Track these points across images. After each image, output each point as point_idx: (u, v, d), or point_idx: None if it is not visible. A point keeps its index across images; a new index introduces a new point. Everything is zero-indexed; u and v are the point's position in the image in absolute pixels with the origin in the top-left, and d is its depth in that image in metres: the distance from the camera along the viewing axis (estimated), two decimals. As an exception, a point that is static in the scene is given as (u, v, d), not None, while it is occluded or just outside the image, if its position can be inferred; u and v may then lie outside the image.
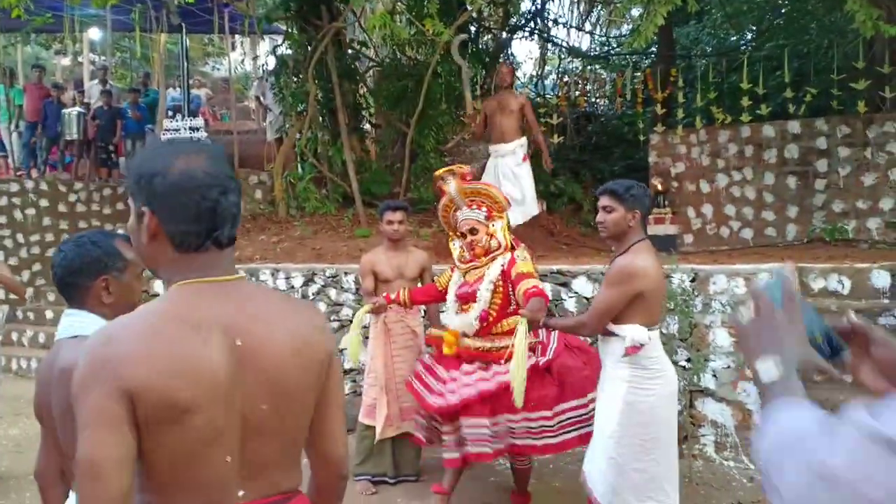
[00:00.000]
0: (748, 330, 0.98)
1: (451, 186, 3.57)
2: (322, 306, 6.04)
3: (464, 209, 3.56)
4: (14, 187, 9.60)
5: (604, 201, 2.99)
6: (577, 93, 10.62)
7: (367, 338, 4.44)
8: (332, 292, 6.11)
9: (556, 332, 3.51)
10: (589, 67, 12.81)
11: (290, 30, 9.75)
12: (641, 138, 8.81)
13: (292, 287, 6.35)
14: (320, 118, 9.41)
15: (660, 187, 7.80)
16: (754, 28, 12.44)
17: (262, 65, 13.27)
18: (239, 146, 10.44)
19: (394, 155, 9.68)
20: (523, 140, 6.99)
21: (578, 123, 11.44)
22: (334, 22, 8.91)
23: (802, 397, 0.86)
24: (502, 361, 3.35)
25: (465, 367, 3.52)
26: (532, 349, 3.40)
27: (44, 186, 9.84)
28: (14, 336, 8.43)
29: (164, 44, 13.47)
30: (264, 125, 11.89)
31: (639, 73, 9.92)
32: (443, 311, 3.99)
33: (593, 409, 3.19)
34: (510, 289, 3.45)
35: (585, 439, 3.19)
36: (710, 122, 7.96)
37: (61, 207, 9.93)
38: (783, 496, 0.75)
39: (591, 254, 7.22)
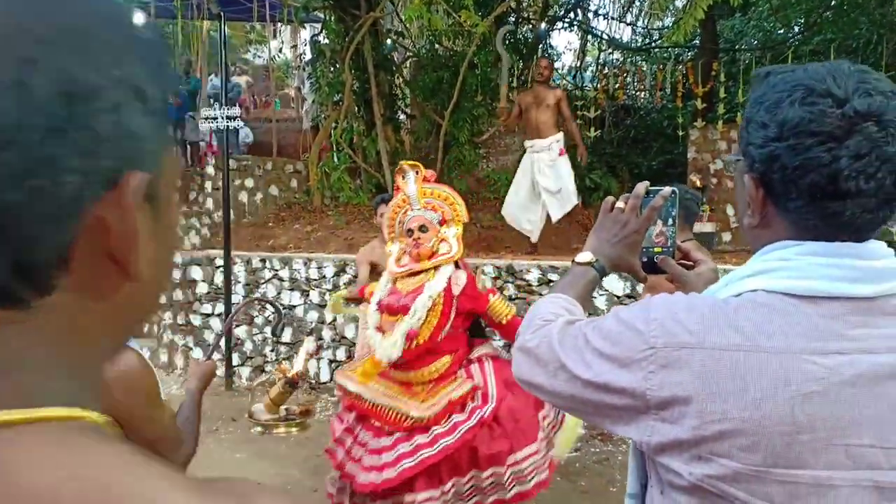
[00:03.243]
0: (603, 220, 1.18)
1: (411, 184, 3.23)
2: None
3: (416, 208, 3.21)
4: (58, 171, 9.85)
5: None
6: (617, 85, 10.46)
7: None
8: (362, 283, 6.14)
9: (491, 367, 3.08)
10: (629, 60, 12.61)
11: (327, 19, 9.78)
12: (681, 133, 8.64)
13: (323, 276, 6.39)
14: (356, 108, 9.44)
15: (698, 183, 7.66)
16: (802, 21, 12.08)
17: (301, 53, 13.34)
18: (277, 135, 10.55)
19: (428, 146, 9.67)
20: (559, 135, 6.95)
21: (617, 117, 11.28)
22: (372, 12, 8.90)
23: (570, 293, 1.15)
24: (443, 421, 2.90)
25: (397, 434, 2.96)
26: (471, 396, 2.99)
27: (87, 171, 10.08)
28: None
29: (206, 31, 13.64)
30: (302, 114, 11.98)
31: (680, 66, 9.71)
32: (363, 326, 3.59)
33: (542, 456, 2.96)
34: (450, 309, 3.01)
35: (543, 485, 2.95)
36: (752, 118, 7.75)
37: (103, 192, 10.17)
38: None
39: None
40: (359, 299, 3.73)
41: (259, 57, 23.12)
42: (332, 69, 9.66)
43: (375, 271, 4.08)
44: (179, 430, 1.61)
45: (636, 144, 10.85)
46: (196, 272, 7.35)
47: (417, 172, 3.24)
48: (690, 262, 1.23)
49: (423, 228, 3.11)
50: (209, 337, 7.14)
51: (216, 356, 2.66)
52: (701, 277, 1.17)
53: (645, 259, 1.20)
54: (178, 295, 7.42)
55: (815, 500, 0.78)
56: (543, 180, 6.86)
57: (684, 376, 0.83)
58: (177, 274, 7.46)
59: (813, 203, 0.85)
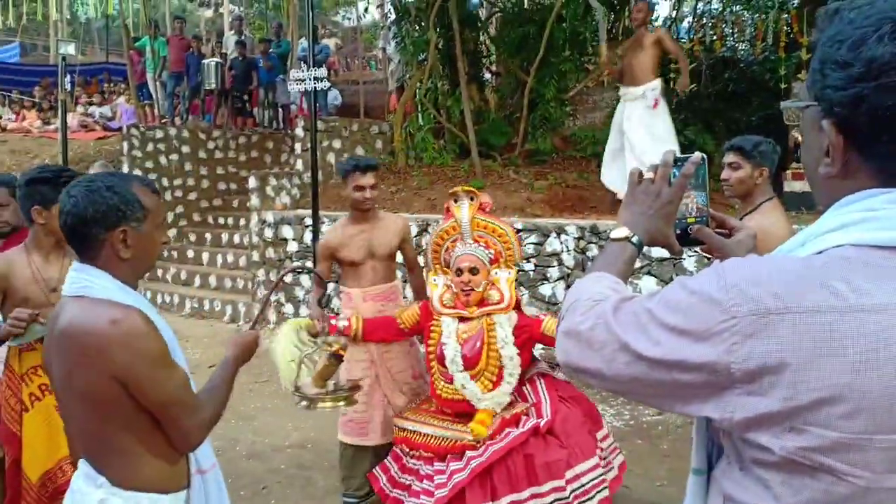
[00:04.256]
0: (633, 193, 1.12)
1: (464, 211, 2.98)
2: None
3: (468, 242, 2.97)
4: (159, 134, 10.34)
5: (729, 158, 2.90)
6: (714, 36, 9.90)
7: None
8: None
9: (544, 384, 3.01)
10: (728, 9, 11.87)
11: (412, -24, 9.70)
12: (783, 86, 8.11)
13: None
14: (440, 67, 9.38)
15: (800, 140, 7.17)
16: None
17: (387, 13, 13.33)
18: (364, 96, 10.65)
19: (512, 104, 9.51)
20: (655, 83, 6.38)
21: (714, 69, 10.69)
22: (456, -33, 8.76)
23: (612, 271, 1.07)
24: (497, 437, 2.82)
25: (449, 457, 2.88)
26: (525, 413, 2.92)
27: (185, 134, 10.53)
28: (159, 273, 9.27)
29: (297, -6, 13.81)
30: (388, 74, 12.02)
31: (784, 15, 9.07)
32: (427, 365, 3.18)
33: (603, 472, 2.86)
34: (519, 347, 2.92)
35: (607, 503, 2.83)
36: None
37: (201, 154, 10.61)
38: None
39: (719, 210, 6.80)
40: (323, 332, 3.06)
41: (347, 19, 23.32)
42: (416, 28, 9.62)
43: (343, 262, 3.42)
44: (195, 396, 1.61)
45: (734, 99, 10.27)
46: (286, 231, 7.60)
47: (473, 199, 3.00)
48: (726, 231, 1.16)
49: (473, 270, 2.92)
50: (300, 293, 7.40)
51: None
52: (741, 245, 1.11)
53: (679, 230, 1.13)
54: (271, 253, 7.71)
55: None
56: (631, 131, 6.34)
57: (773, 344, 0.76)
58: (269, 232, 7.74)
59: None
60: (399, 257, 3.56)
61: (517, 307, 3.02)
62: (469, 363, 2.90)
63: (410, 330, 3.17)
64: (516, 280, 3.12)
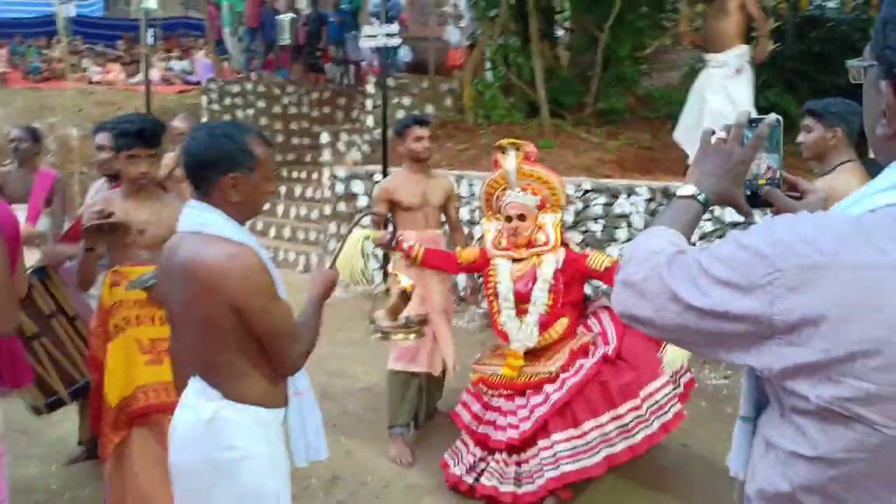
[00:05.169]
0: (705, 152, 1.14)
1: (511, 161, 3.18)
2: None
3: (516, 190, 3.18)
4: (236, 88, 10.62)
5: (804, 120, 2.92)
6: (801, -7, 9.42)
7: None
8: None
9: (608, 315, 3.20)
10: (819, -37, 11.23)
11: (486, -71, 9.53)
12: (874, 46, 7.68)
13: (473, 194, 6.53)
14: (512, 23, 9.25)
15: (890, 103, 6.83)
16: None
17: (459, -32, 13.14)
18: (436, 53, 10.63)
19: (585, 62, 9.31)
20: (740, 49, 6.10)
21: (799, 29, 10.19)
22: (532, -81, 8.55)
23: (675, 227, 1.09)
24: (570, 368, 3.05)
25: (529, 392, 3.13)
26: (593, 343, 3.13)
27: (261, 88, 10.78)
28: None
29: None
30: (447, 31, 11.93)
31: (881, -31, 8.53)
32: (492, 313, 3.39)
33: (673, 388, 3.04)
34: (560, 285, 3.12)
35: (681, 416, 3.01)
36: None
37: (275, 109, 10.86)
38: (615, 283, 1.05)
39: (800, 175, 6.58)
40: (390, 247, 3.50)
41: (419, -27, 23.06)
42: (488, -17, 9.48)
43: (401, 207, 3.72)
44: (296, 327, 1.77)
45: (821, 60, 9.75)
46: (357, 185, 7.76)
47: (518, 150, 3.18)
48: (797, 193, 1.17)
49: (521, 217, 3.14)
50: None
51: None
52: (810, 207, 1.11)
53: (749, 192, 1.14)
54: (342, 207, 7.91)
55: None
56: (712, 99, 6.15)
57: (814, 297, 0.79)
58: (340, 187, 7.92)
59: None
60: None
61: (565, 245, 3.23)
62: (522, 298, 3.16)
63: (466, 267, 3.45)
64: (563, 224, 3.35)
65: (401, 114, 8.94)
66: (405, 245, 3.46)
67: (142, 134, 2.59)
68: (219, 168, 1.71)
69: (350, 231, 2.94)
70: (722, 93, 6.10)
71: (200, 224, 1.71)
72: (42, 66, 13.83)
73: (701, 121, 6.22)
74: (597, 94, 8.66)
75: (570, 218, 5.98)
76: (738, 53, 6.10)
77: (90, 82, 13.60)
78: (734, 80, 6.09)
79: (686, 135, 6.47)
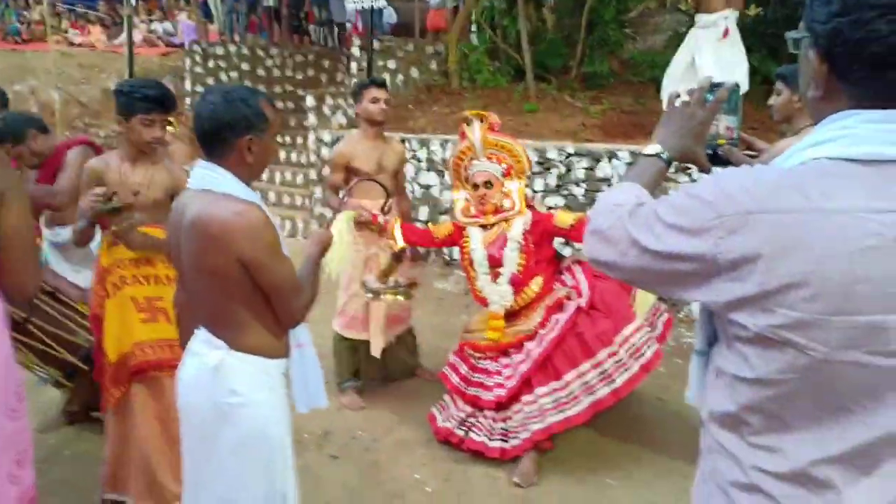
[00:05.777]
0: (669, 114, 1.25)
1: (476, 133, 3.27)
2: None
3: (481, 160, 3.28)
4: (220, 51, 10.53)
5: (776, 84, 3.05)
6: (787, -44, 9.39)
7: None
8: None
9: (580, 268, 3.36)
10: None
11: None
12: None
13: (460, 158, 6.59)
14: (498, -15, 9.20)
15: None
16: None
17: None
18: (419, 14, 10.56)
19: (571, 26, 9.32)
20: (728, 12, 6.20)
21: (783, -8, 10.20)
22: None
23: (640, 182, 1.20)
24: (547, 325, 3.20)
25: (511, 351, 3.30)
26: (567, 297, 3.26)
27: (245, 51, 10.68)
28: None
29: None
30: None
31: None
32: (469, 279, 3.50)
33: (649, 331, 3.20)
34: (530, 246, 3.25)
35: (659, 355, 3.15)
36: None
37: (259, 72, 10.78)
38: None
39: (778, 139, 6.69)
40: (370, 225, 3.51)
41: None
42: (475, -56, 9.40)
43: (358, 174, 3.67)
44: (299, 282, 1.89)
45: (803, 24, 9.81)
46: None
47: (483, 121, 3.29)
48: (754, 152, 1.30)
49: (488, 184, 3.27)
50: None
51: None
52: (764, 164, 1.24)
53: (710, 150, 1.25)
54: (326, 171, 7.94)
55: (868, 341, 0.88)
56: (699, 59, 6.25)
57: (751, 239, 0.91)
58: (325, 151, 7.95)
59: (874, 73, 0.91)
60: None
61: (531, 207, 3.37)
62: (495, 262, 3.30)
63: (441, 241, 3.54)
64: (528, 189, 3.51)
65: (385, 77, 8.93)
66: (381, 220, 3.47)
67: (162, 99, 2.64)
68: (237, 131, 1.79)
69: (349, 190, 3.04)
70: (710, 55, 6.16)
71: (210, 182, 1.80)
72: (21, 27, 13.58)
73: (690, 76, 6.25)
74: (582, 57, 8.68)
75: (552, 181, 6.08)
76: (727, 15, 6.16)
77: (71, 44, 13.39)
78: (723, 42, 6.16)
79: (666, 88, 6.52)
